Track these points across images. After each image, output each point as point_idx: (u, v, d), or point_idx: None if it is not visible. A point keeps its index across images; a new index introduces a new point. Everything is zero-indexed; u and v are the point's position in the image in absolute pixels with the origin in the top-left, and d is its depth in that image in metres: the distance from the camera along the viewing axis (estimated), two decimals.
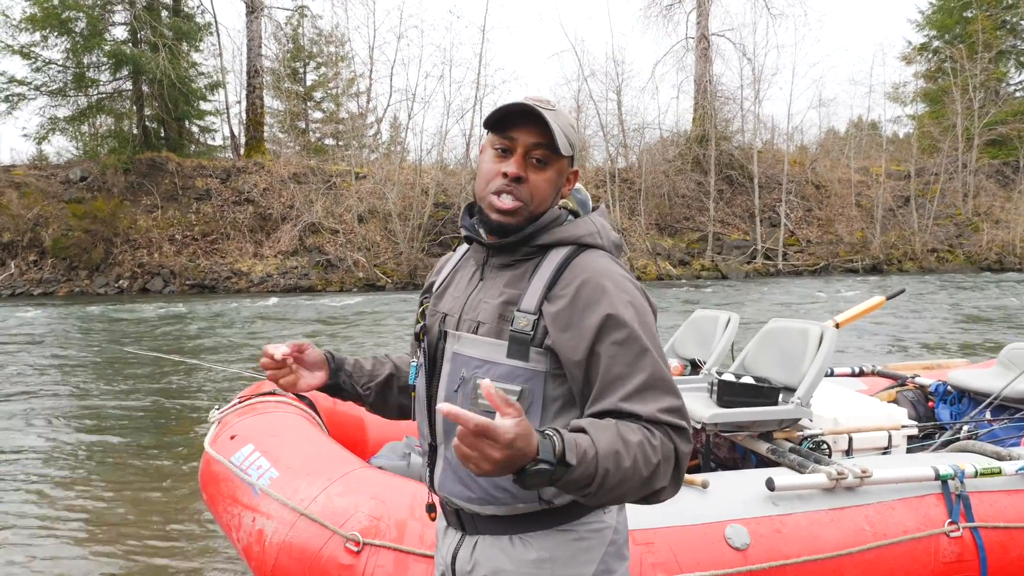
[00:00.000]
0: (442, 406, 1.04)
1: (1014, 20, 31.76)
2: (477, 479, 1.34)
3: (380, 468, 2.65)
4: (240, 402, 2.86)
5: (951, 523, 2.55)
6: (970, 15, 31.22)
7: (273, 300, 17.82)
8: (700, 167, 26.38)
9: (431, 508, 1.52)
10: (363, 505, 2.23)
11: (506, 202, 1.32)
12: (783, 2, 48.80)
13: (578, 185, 1.50)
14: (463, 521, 1.41)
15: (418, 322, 1.51)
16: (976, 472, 2.65)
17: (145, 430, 6.03)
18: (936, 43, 33.01)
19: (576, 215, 1.44)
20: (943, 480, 2.62)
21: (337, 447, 2.55)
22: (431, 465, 1.44)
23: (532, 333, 1.29)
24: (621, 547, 1.40)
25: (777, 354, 3.26)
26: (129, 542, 3.75)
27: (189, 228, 22.06)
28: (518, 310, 1.32)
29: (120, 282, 20.38)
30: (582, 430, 1.17)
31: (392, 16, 52.14)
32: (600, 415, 1.24)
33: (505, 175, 1.32)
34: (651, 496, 1.22)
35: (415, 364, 1.50)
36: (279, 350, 1.44)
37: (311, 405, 2.98)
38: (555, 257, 1.35)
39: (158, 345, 10.71)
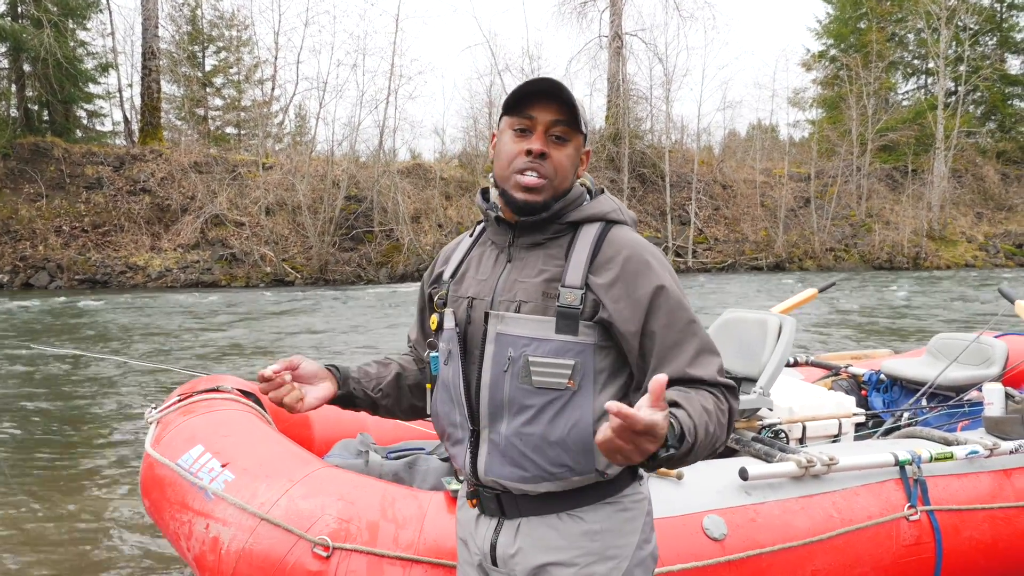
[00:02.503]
0: (611, 405, 1.02)
1: (902, 33, 33.95)
2: (531, 457, 1.34)
3: (338, 467, 2.50)
4: (181, 400, 2.64)
5: (910, 507, 2.63)
6: (864, 26, 33.13)
7: (175, 295, 16.96)
8: (614, 164, 26.91)
9: (473, 495, 1.47)
10: (330, 507, 2.09)
11: (531, 178, 1.35)
12: (693, 5, 50.54)
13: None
14: (503, 505, 1.40)
15: (435, 311, 1.49)
16: (931, 457, 2.74)
17: (63, 435, 5.56)
18: (833, 51, 34.89)
19: (590, 193, 1.49)
20: (901, 465, 2.70)
21: (295, 446, 2.39)
22: (473, 451, 1.42)
23: (581, 307, 1.33)
24: (652, 518, 1.48)
25: (735, 344, 3.29)
26: (59, 559, 3.41)
27: (78, 219, 20.72)
28: (562, 286, 1.34)
29: None
30: (675, 403, 1.21)
31: (299, 1, 50.72)
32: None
33: (529, 152, 1.35)
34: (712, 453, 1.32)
35: (436, 355, 1.47)
36: (268, 369, 1.37)
37: (258, 402, 2.79)
38: (589, 232, 1.39)
39: (59, 342, 9.97)
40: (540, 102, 1.36)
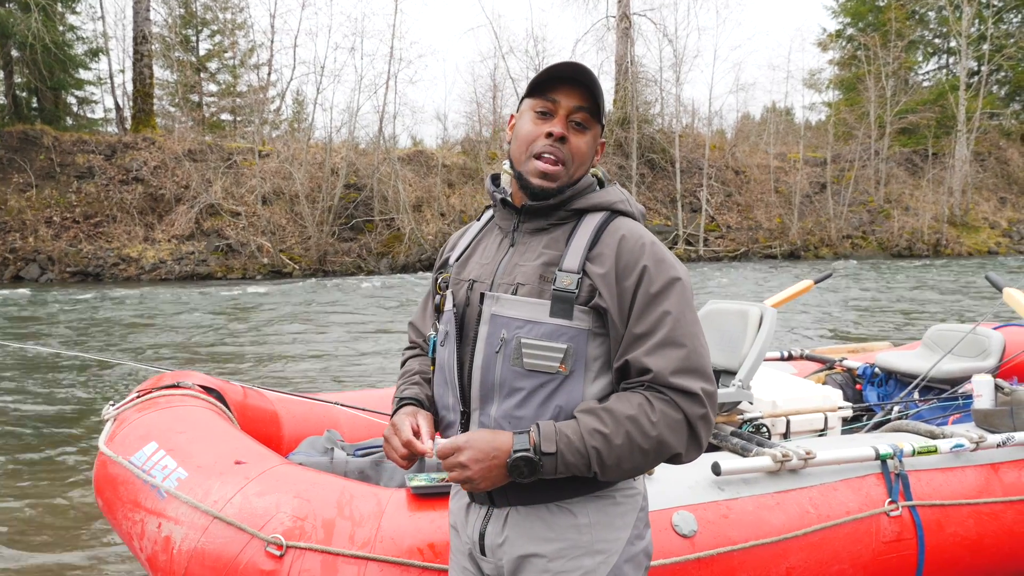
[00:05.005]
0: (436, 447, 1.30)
1: (923, 11, 33.60)
2: None
3: (300, 464, 2.53)
4: (139, 396, 2.67)
5: (891, 502, 2.64)
6: (883, 3, 32.82)
7: (168, 288, 17.05)
8: (622, 150, 26.80)
9: None
10: (285, 505, 2.11)
11: (547, 165, 1.40)
12: None
13: None
14: (492, 493, 1.43)
15: (437, 293, 1.54)
16: (914, 451, 2.74)
17: (27, 431, 5.63)
18: (850, 30, 34.58)
19: (601, 184, 1.53)
20: (883, 460, 2.70)
21: (252, 443, 2.41)
22: None
23: (576, 291, 1.36)
24: (647, 514, 1.50)
25: (716, 336, 3.30)
26: (10, 558, 3.47)
27: (69, 209, 20.82)
28: (560, 270, 1.38)
29: None
30: (573, 417, 1.34)
31: None
32: (623, 369, 1.37)
33: (549, 135, 1.40)
34: (670, 461, 1.35)
35: (434, 336, 1.52)
36: (429, 446, 1.41)
37: (220, 398, 2.82)
38: (592, 221, 1.44)
39: (42, 339, 10.05)
40: (564, 86, 1.41)
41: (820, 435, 3.38)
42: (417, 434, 1.42)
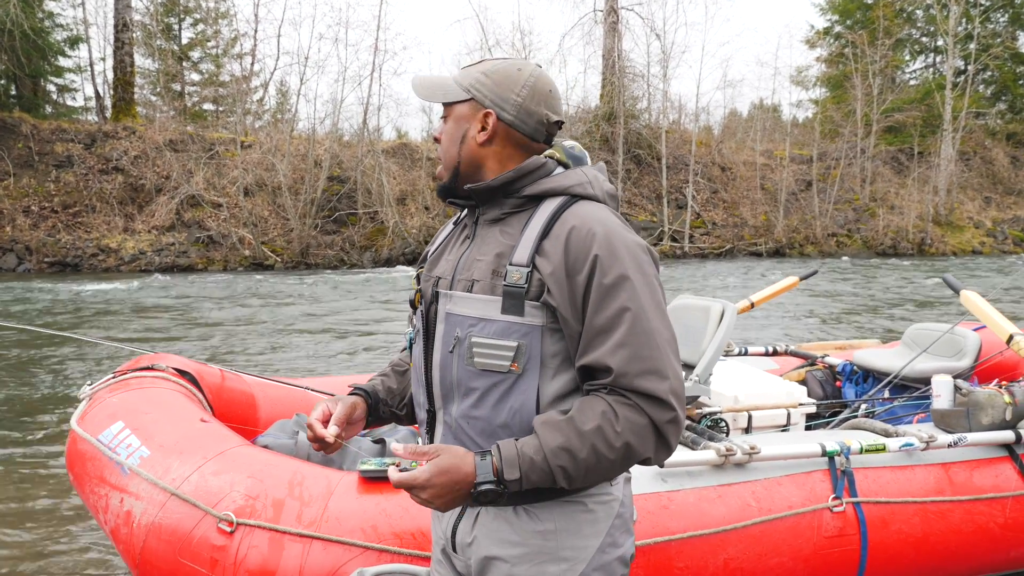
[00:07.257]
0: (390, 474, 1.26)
1: (911, 9, 33.89)
2: (478, 442, 1.38)
3: (266, 447, 2.63)
4: (114, 377, 2.79)
5: (835, 498, 2.70)
6: (871, 1, 33.07)
7: (148, 279, 17.02)
8: (608, 145, 26.89)
9: None
10: (239, 484, 2.23)
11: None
12: None
13: (572, 142, 1.51)
14: None
15: (413, 290, 1.55)
16: (861, 448, 2.81)
17: (8, 409, 5.75)
18: (838, 28, 34.83)
19: (566, 167, 1.46)
20: (829, 456, 2.78)
21: (216, 425, 2.52)
22: (430, 433, 1.48)
23: (525, 286, 1.32)
24: (627, 520, 1.46)
25: (680, 331, 3.37)
26: None
27: (47, 199, 20.68)
28: (510, 264, 1.34)
29: None
30: (532, 428, 1.31)
31: None
32: (585, 370, 1.32)
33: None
34: (640, 464, 1.32)
35: (411, 333, 1.53)
36: (331, 432, 1.43)
37: (193, 381, 2.93)
38: (547, 208, 1.38)
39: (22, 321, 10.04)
40: None
41: (783, 431, 3.47)
42: (327, 421, 1.45)
